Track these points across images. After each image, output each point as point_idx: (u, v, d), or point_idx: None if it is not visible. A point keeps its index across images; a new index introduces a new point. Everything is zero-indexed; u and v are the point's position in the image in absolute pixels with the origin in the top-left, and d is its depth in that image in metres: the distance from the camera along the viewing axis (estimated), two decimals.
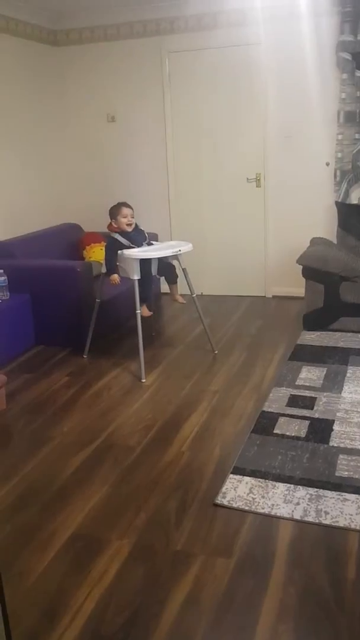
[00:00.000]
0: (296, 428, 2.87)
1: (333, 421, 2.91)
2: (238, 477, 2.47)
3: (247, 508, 2.27)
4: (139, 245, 3.72)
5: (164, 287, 4.00)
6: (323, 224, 4.91)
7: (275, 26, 4.68)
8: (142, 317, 3.68)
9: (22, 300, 4.11)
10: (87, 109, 5.37)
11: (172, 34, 4.97)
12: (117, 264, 3.70)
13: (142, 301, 3.73)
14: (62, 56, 5.30)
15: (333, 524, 2.15)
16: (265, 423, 2.94)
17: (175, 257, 3.76)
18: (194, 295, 3.89)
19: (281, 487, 2.39)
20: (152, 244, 3.85)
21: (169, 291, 4.01)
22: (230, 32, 4.79)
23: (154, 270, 3.77)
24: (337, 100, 4.66)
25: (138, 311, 3.60)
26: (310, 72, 4.69)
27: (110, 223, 3.75)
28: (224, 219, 5.28)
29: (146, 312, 3.81)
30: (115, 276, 3.67)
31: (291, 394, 3.25)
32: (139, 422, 3.07)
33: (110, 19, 5.04)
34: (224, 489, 2.39)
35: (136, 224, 3.77)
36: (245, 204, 5.18)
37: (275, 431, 2.85)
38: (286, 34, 4.67)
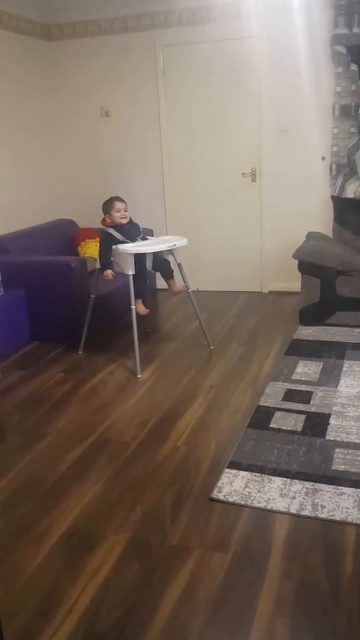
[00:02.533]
0: (292, 422, 2.85)
1: (329, 415, 2.90)
2: (234, 471, 2.46)
3: (243, 502, 2.25)
4: (134, 240, 3.70)
5: (160, 283, 3.97)
6: (319, 218, 4.89)
7: (270, 20, 4.66)
8: (138, 315, 3.66)
9: (17, 296, 4.08)
10: (81, 104, 5.34)
11: (166, 28, 4.94)
12: (112, 259, 3.68)
13: (137, 296, 3.71)
14: (56, 51, 5.26)
15: (329, 517, 2.14)
16: (261, 417, 2.92)
17: (171, 252, 3.74)
18: (190, 290, 3.87)
19: (277, 481, 2.37)
20: (146, 239, 3.82)
21: (165, 287, 3.99)
22: (224, 26, 4.76)
23: (148, 265, 3.75)
24: (332, 94, 4.64)
25: (133, 306, 3.58)
26: (305, 65, 4.66)
27: (104, 218, 3.73)
28: (219, 214, 5.26)
29: (142, 310, 3.78)
30: (109, 272, 3.65)
31: (287, 389, 3.23)
32: (134, 417, 3.05)
33: (104, 13, 5.01)
34: (219, 484, 2.37)
35: (130, 218, 3.75)
36: (241, 199, 5.16)
37: (271, 425, 2.84)
38: (281, 28, 4.64)
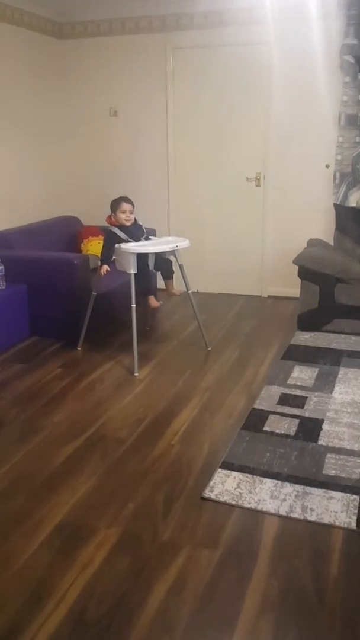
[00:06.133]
0: (286, 426, 2.89)
1: (322, 420, 2.94)
2: (226, 471, 2.49)
3: (233, 502, 2.29)
4: (137, 239, 3.74)
5: (159, 282, 4.02)
6: (320, 225, 4.93)
7: (280, 27, 4.70)
8: (152, 308, 3.84)
9: (19, 291, 4.12)
10: (90, 103, 5.38)
11: (178, 31, 4.98)
12: (114, 257, 3.72)
13: (146, 294, 3.78)
14: (67, 49, 5.30)
15: (318, 520, 2.18)
16: (255, 420, 2.96)
17: (172, 253, 3.78)
18: (190, 291, 3.91)
19: (268, 483, 2.41)
20: (150, 239, 3.86)
21: (164, 287, 4.03)
22: (235, 31, 4.81)
23: (150, 265, 3.79)
24: (339, 103, 4.68)
25: (133, 305, 3.62)
26: (313, 74, 4.71)
27: (110, 216, 3.77)
28: (222, 216, 5.30)
29: (155, 303, 3.85)
30: (104, 267, 3.70)
31: (282, 393, 3.27)
32: (130, 415, 3.08)
33: (116, 13, 5.05)
34: (211, 483, 2.41)
35: (135, 219, 3.79)
36: (244, 203, 5.20)
37: (265, 428, 2.87)
38: (290, 36, 4.69)
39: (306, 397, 3.21)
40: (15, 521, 2.23)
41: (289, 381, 3.43)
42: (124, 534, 2.14)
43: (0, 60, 4.57)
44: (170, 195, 5.38)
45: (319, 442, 2.72)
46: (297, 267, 4.28)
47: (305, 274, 4.25)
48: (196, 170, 5.29)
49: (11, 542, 2.11)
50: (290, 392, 3.28)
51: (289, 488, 2.37)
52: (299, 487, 2.37)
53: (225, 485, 2.39)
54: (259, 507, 2.26)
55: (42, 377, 3.59)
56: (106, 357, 3.89)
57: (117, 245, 3.66)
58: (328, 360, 3.72)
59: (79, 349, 4.02)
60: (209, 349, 4.01)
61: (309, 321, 4.26)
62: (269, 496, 2.32)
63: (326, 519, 2.17)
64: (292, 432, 2.83)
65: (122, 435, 2.86)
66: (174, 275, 3.96)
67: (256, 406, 3.11)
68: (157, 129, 5.25)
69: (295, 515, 2.21)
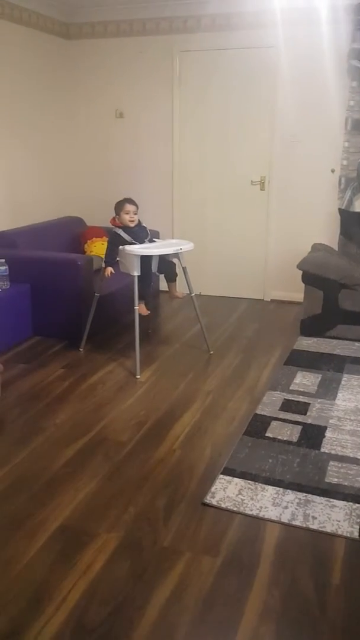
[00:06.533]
0: (288, 432, 2.88)
1: (325, 428, 2.93)
2: (228, 478, 2.48)
3: (235, 509, 2.28)
4: (141, 241, 3.73)
5: (162, 285, 4.01)
6: (325, 230, 4.92)
7: (287, 31, 4.69)
8: (140, 316, 3.70)
9: (22, 291, 4.11)
10: (96, 104, 5.37)
11: (185, 33, 4.98)
12: (118, 259, 3.71)
13: (140, 297, 3.75)
14: (74, 50, 5.30)
15: (320, 529, 2.16)
16: (257, 426, 2.95)
17: (176, 255, 3.78)
18: (193, 294, 3.91)
19: (270, 490, 2.40)
20: (154, 241, 3.86)
21: (167, 289, 4.02)
22: (242, 35, 4.81)
23: (154, 267, 3.78)
24: (346, 108, 4.67)
25: (136, 307, 3.61)
26: (320, 78, 4.71)
27: (114, 218, 3.76)
28: (226, 219, 5.30)
29: (144, 311, 3.81)
30: (109, 269, 3.69)
31: (285, 399, 3.26)
32: (131, 418, 3.07)
33: (124, 14, 5.04)
34: (213, 489, 2.40)
35: (139, 221, 3.78)
36: (249, 206, 5.20)
37: (267, 434, 2.86)
38: (298, 40, 4.68)
39: (309, 404, 3.20)
40: (17, 522, 2.22)
41: (292, 387, 3.42)
42: (125, 539, 2.13)
43: (7, 59, 4.56)
44: (174, 197, 5.38)
45: (322, 450, 2.71)
46: (301, 272, 4.27)
47: (309, 278, 4.24)
48: (201, 173, 5.28)
49: (11, 545, 2.10)
50: (293, 398, 3.27)
51: (291, 495, 2.36)
52: (301, 495, 2.36)
53: (227, 492, 2.38)
54: (261, 515, 2.25)
55: (44, 378, 3.58)
56: (108, 358, 3.89)
57: (121, 247, 3.66)
58: (331, 367, 3.71)
59: (81, 350, 4.01)
60: (211, 352, 4.00)
61: (312, 326, 4.25)
62: (270, 503, 2.31)
63: (328, 528, 2.17)
64: (295, 438, 2.82)
65: (124, 439, 2.85)
66: (177, 279, 3.95)
67: (258, 411, 3.11)
68: (162, 131, 5.25)
69: (297, 523, 2.20)
